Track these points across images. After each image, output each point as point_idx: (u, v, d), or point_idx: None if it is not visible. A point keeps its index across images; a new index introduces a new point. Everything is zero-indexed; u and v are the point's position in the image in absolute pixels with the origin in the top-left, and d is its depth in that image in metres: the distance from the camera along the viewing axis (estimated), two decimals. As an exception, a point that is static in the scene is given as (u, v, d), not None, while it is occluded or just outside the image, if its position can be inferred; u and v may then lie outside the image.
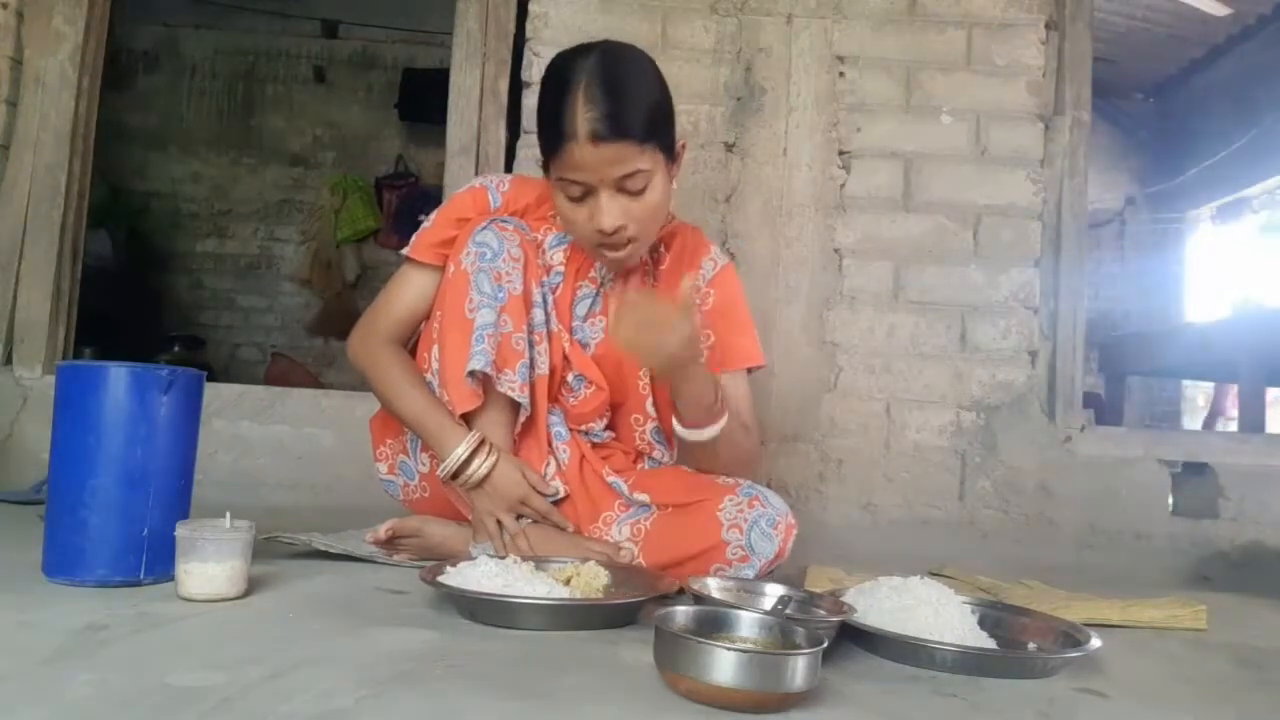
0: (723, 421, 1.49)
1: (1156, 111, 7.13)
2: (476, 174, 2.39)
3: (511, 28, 2.45)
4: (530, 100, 2.38)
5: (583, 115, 1.37)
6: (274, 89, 6.11)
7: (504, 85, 2.46)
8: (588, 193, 1.43)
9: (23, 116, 2.45)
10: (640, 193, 1.43)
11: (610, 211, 1.42)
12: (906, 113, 2.39)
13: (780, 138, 2.39)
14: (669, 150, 1.48)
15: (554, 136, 1.41)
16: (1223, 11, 5.39)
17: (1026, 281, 2.36)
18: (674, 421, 1.52)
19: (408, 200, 5.82)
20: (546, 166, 1.48)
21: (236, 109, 6.10)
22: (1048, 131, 2.39)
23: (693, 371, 1.43)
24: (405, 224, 5.59)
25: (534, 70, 2.38)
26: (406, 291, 1.60)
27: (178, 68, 6.08)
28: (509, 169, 2.40)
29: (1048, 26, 2.40)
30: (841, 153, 2.39)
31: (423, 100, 5.59)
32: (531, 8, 2.41)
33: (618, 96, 1.38)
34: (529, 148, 2.37)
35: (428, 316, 1.58)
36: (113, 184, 5.49)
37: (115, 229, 5.34)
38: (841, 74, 2.40)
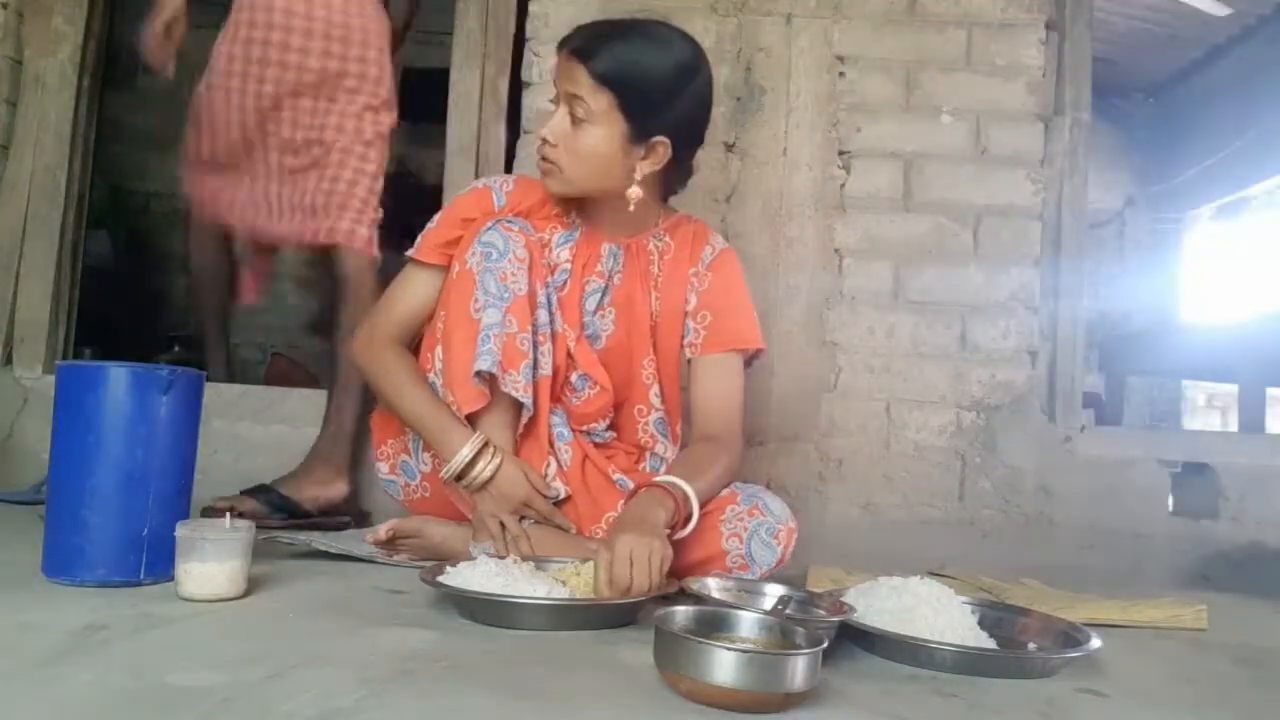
0: (694, 520, 1.44)
1: (1156, 111, 7.13)
2: (477, 174, 2.39)
3: (511, 28, 2.45)
4: (530, 100, 2.38)
5: (578, 32, 1.53)
6: (274, 89, 6.10)
7: (504, 85, 2.45)
8: (556, 111, 1.53)
9: (23, 116, 2.44)
10: (578, 124, 1.50)
11: (550, 123, 1.53)
12: (906, 113, 2.39)
13: (780, 138, 2.39)
14: (635, 122, 1.50)
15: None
16: (1223, 11, 5.40)
17: (1026, 281, 2.35)
18: None
19: (407, 200, 5.82)
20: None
21: (236, 109, 6.09)
22: (1048, 131, 2.38)
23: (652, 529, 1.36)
24: (405, 224, 5.58)
25: (534, 70, 2.38)
26: (411, 292, 1.60)
27: (178, 68, 6.06)
28: (509, 169, 2.39)
29: (1048, 27, 2.39)
30: (841, 153, 2.39)
31: (423, 100, 5.58)
32: (531, 8, 2.41)
33: (613, 39, 1.50)
34: (529, 148, 2.37)
35: (431, 317, 1.58)
36: (113, 184, 5.48)
37: (115, 229, 5.33)
38: (841, 74, 2.39)
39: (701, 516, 1.48)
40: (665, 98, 1.50)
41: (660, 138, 1.52)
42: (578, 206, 1.63)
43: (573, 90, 1.49)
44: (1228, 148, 6.19)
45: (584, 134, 1.50)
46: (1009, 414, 2.32)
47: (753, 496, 1.53)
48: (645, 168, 1.54)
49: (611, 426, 1.67)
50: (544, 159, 1.54)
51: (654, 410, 1.66)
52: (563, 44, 1.52)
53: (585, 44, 1.49)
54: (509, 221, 1.54)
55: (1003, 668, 1.15)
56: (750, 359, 1.69)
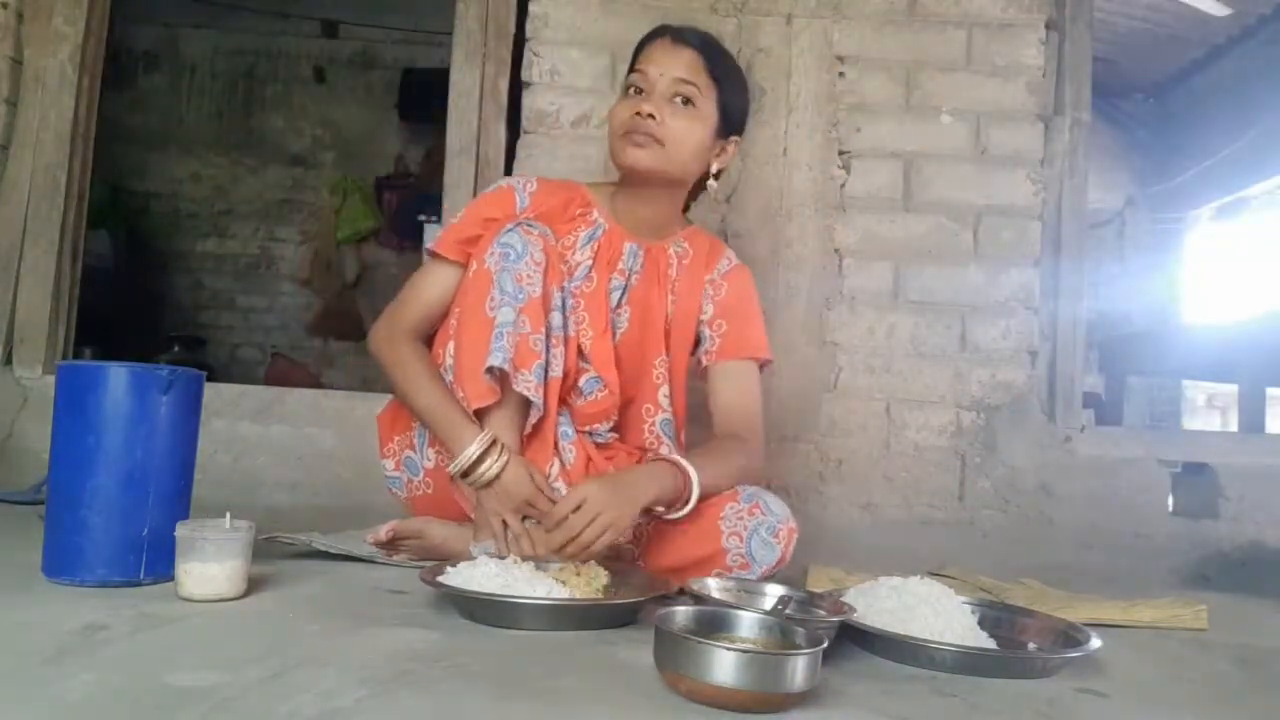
0: (693, 500, 1.46)
1: (1156, 111, 7.12)
2: (476, 174, 2.40)
3: (511, 28, 2.45)
4: (530, 100, 2.38)
5: (677, 29, 1.61)
6: (274, 89, 6.10)
7: (504, 85, 2.45)
8: (643, 94, 1.57)
9: (23, 116, 2.44)
10: (684, 108, 1.57)
11: (651, 100, 1.56)
12: (906, 113, 2.39)
13: (780, 138, 2.39)
14: (724, 120, 1.62)
15: (643, 42, 1.63)
16: (1223, 11, 5.39)
17: (1026, 282, 2.35)
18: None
19: (408, 200, 5.82)
20: (629, 78, 1.63)
21: (236, 109, 6.10)
22: (1048, 131, 2.39)
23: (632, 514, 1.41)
24: (405, 224, 5.59)
25: (534, 70, 2.38)
26: (430, 286, 1.62)
27: (178, 68, 6.07)
28: (509, 170, 2.39)
29: (1048, 27, 2.39)
30: (841, 153, 2.39)
31: (423, 100, 5.58)
32: (531, 8, 2.40)
33: (713, 42, 1.63)
34: (529, 148, 2.37)
35: (447, 312, 1.59)
36: (113, 184, 5.48)
37: (115, 229, 5.33)
38: (841, 74, 2.39)
39: (701, 513, 1.49)
40: (744, 105, 1.68)
41: (735, 137, 1.66)
42: (627, 198, 1.67)
43: (685, 76, 1.56)
44: (1228, 148, 6.18)
45: (689, 117, 1.58)
46: (1009, 414, 2.32)
47: (753, 495, 1.53)
48: (717, 164, 1.66)
49: (615, 428, 1.68)
50: (644, 132, 1.55)
51: (661, 410, 1.68)
52: (660, 33, 1.60)
53: (697, 39, 1.59)
54: (530, 225, 1.55)
55: (1003, 668, 1.15)
56: (760, 368, 1.75)
